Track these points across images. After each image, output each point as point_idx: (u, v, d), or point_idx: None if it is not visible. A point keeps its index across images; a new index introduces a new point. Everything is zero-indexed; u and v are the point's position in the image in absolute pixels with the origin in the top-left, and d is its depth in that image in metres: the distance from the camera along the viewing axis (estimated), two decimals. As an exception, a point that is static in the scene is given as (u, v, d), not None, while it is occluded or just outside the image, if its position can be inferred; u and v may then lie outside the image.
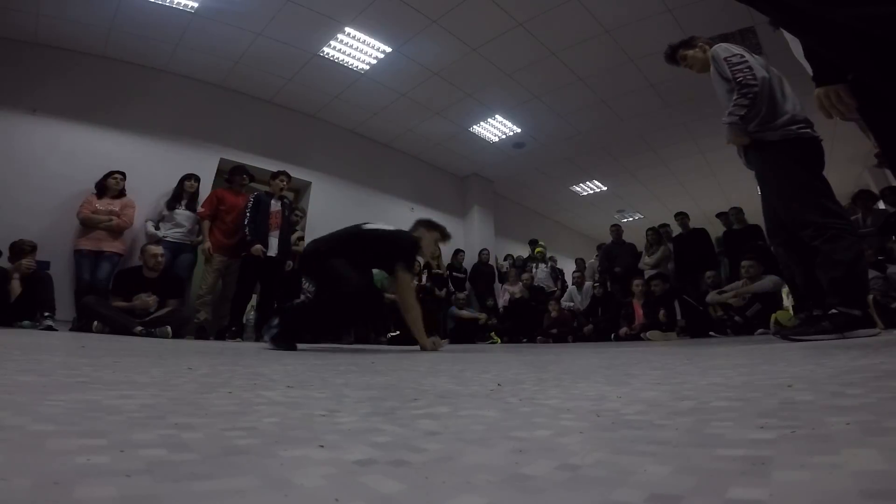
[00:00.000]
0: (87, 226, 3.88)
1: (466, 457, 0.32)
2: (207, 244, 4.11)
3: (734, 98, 2.08)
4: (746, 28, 4.18)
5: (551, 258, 7.77)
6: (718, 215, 5.87)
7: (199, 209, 4.26)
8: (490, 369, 1.12)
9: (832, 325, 1.79)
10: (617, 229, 6.44)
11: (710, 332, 4.37)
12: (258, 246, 3.95)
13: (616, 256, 6.16)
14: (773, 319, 3.77)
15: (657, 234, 5.87)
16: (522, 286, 6.36)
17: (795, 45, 1.68)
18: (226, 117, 5.25)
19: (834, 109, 1.37)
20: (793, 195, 1.97)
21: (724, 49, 2.19)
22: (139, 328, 3.27)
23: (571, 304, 6.09)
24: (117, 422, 0.41)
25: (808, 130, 2.04)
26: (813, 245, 1.89)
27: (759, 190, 2.23)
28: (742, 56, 2.14)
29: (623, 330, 4.86)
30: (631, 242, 6.42)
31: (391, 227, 2.73)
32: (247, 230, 4.01)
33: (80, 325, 3.42)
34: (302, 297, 4.51)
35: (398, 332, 4.62)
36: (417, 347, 2.62)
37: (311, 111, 5.92)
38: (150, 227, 4.12)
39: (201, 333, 3.91)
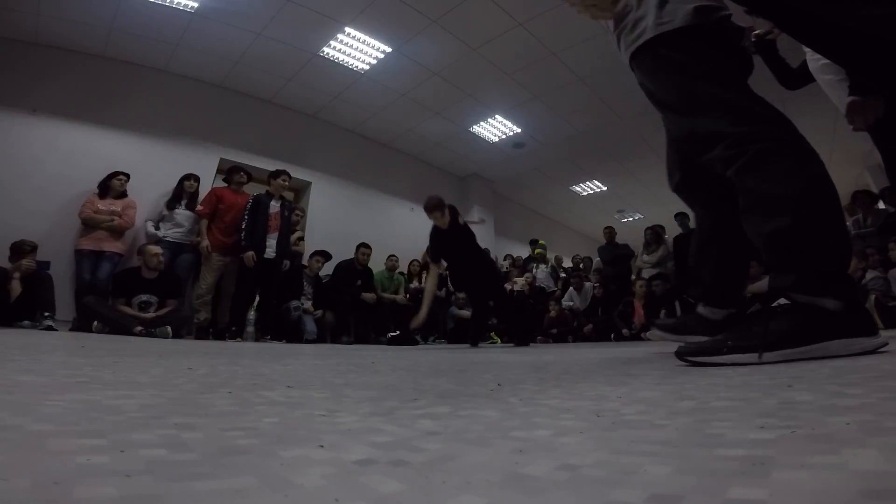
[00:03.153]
0: (89, 225, 3.88)
1: (466, 457, 0.32)
2: (205, 242, 4.10)
3: None
4: (747, 28, 4.17)
5: (557, 258, 7.79)
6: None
7: (198, 207, 4.25)
8: (490, 369, 1.12)
9: (775, 337, 0.88)
10: (610, 231, 6.51)
11: (711, 332, 4.36)
12: (249, 254, 3.95)
13: (612, 258, 6.22)
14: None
15: (656, 233, 5.90)
16: (524, 282, 6.37)
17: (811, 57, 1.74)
18: (226, 117, 5.25)
19: (861, 116, 1.43)
20: (687, 103, 1.12)
21: None
22: (139, 328, 3.27)
23: (571, 303, 6.09)
24: (117, 422, 0.41)
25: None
26: (727, 177, 1.05)
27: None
28: None
29: (624, 331, 4.86)
30: (625, 244, 6.49)
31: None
32: (243, 235, 4.00)
33: (80, 325, 3.42)
34: (302, 297, 4.51)
35: (398, 332, 4.62)
36: (415, 347, 2.67)
37: (311, 111, 5.92)
38: (150, 227, 4.12)
39: (201, 333, 3.91)
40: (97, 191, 4.03)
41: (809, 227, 0.93)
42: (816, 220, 0.94)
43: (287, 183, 4.39)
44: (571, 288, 6.38)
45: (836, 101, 1.72)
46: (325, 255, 4.87)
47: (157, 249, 3.70)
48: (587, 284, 6.36)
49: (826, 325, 0.89)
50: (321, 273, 4.91)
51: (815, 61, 1.77)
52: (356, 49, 4.72)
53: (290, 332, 4.17)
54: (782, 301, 0.97)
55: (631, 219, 9.71)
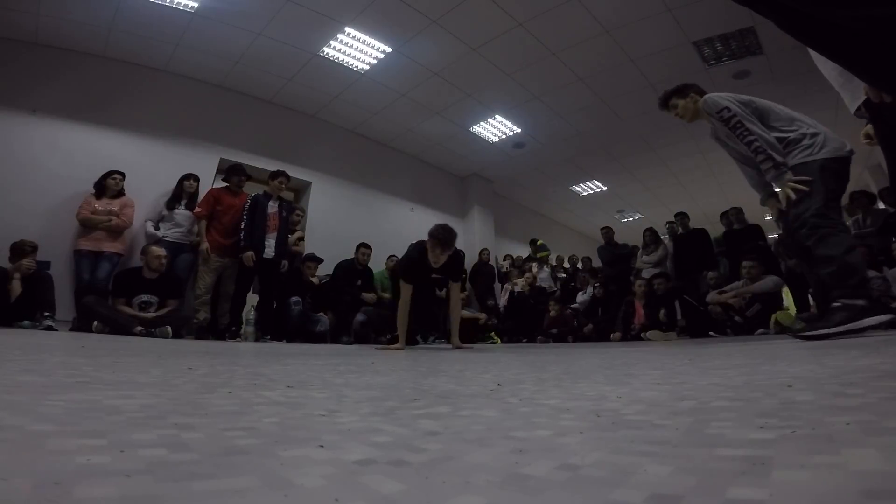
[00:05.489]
0: (87, 226, 3.87)
1: (466, 457, 0.32)
2: (205, 245, 4.09)
3: (762, 167, 2.10)
4: (746, 28, 4.17)
5: (559, 258, 7.78)
6: (721, 215, 5.85)
7: (196, 209, 4.23)
8: (490, 369, 1.13)
9: (841, 318, 1.82)
10: (608, 231, 6.51)
11: (710, 332, 4.37)
12: (249, 254, 3.94)
13: (612, 258, 6.22)
14: (773, 320, 3.78)
15: (654, 234, 5.93)
16: (525, 282, 6.36)
17: (824, 64, 1.79)
18: (226, 117, 5.25)
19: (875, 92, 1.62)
20: (800, 200, 2.05)
21: (713, 103, 2.19)
22: (139, 328, 3.27)
23: (578, 304, 6.08)
24: (117, 422, 0.41)
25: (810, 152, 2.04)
26: (807, 245, 2.00)
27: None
28: (730, 110, 2.11)
29: (615, 335, 4.84)
30: (624, 243, 6.48)
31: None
32: (241, 235, 3.98)
33: (80, 325, 3.42)
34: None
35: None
36: (415, 347, 2.67)
37: (311, 111, 5.91)
38: (150, 227, 4.11)
39: (201, 333, 3.91)
40: (94, 191, 4.02)
41: (845, 268, 1.90)
42: (849, 265, 1.90)
43: (283, 185, 4.35)
44: (583, 291, 6.35)
45: (847, 99, 1.79)
46: (315, 259, 4.79)
47: (160, 251, 3.69)
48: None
49: (860, 313, 1.82)
50: (318, 274, 4.88)
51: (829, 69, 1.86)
52: (356, 49, 4.71)
53: (290, 331, 4.17)
54: (835, 304, 1.87)
55: (631, 219, 9.71)
